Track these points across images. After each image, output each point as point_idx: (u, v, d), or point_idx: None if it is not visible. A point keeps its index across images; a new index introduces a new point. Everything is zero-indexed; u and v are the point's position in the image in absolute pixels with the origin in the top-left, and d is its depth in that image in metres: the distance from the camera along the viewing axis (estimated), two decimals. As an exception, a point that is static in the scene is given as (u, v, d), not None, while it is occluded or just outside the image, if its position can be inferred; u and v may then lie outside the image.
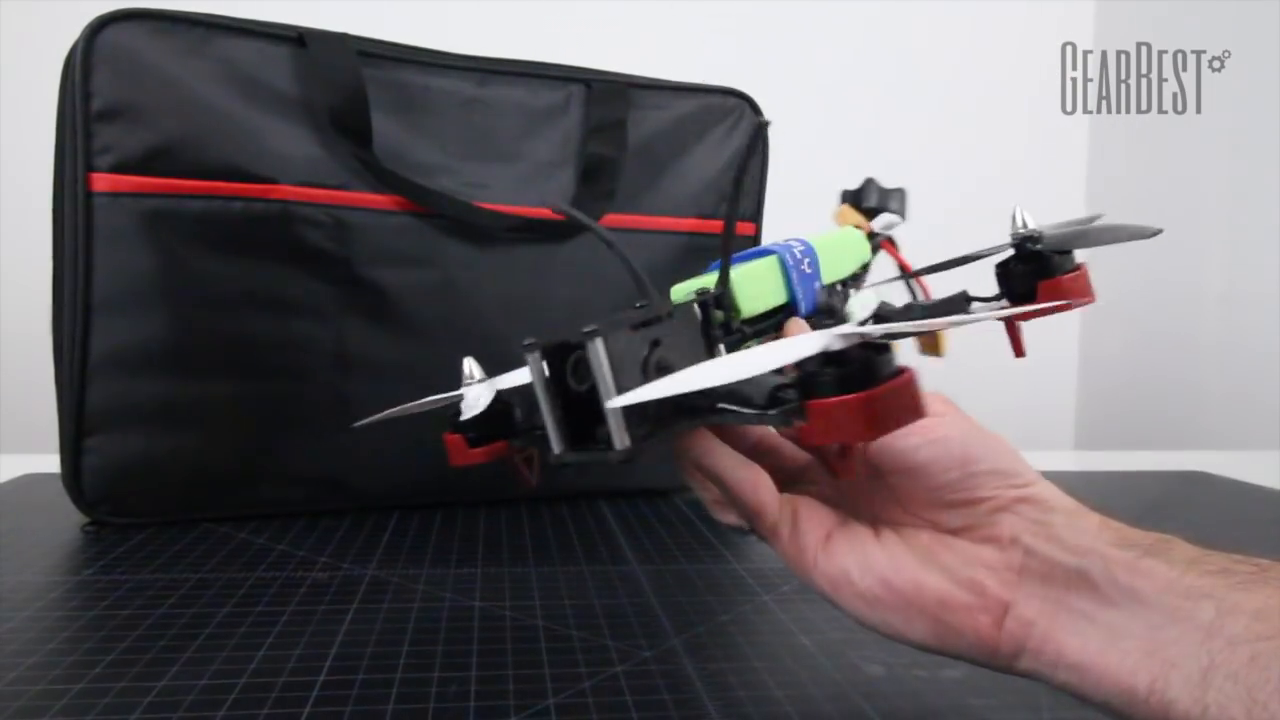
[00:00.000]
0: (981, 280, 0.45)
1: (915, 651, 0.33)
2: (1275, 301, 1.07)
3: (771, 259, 0.41)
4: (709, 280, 0.38)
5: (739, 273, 0.38)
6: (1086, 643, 0.28)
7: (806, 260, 0.41)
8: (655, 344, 0.31)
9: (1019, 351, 0.43)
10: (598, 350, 0.28)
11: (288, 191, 0.62)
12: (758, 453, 0.36)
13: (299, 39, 0.64)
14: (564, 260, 0.69)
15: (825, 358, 0.26)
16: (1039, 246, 0.41)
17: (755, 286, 0.39)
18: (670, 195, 0.74)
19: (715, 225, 0.75)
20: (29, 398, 0.83)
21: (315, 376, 0.64)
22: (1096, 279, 0.42)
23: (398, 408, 0.39)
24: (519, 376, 0.38)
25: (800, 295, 0.41)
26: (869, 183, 0.54)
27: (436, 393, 0.41)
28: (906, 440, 0.31)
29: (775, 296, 0.40)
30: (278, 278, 0.63)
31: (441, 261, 0.66)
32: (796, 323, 0.40)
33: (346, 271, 0.64)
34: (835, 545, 0.33)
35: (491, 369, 0.39)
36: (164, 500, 0.63)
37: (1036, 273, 0.41)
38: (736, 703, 0.38)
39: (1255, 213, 1.10)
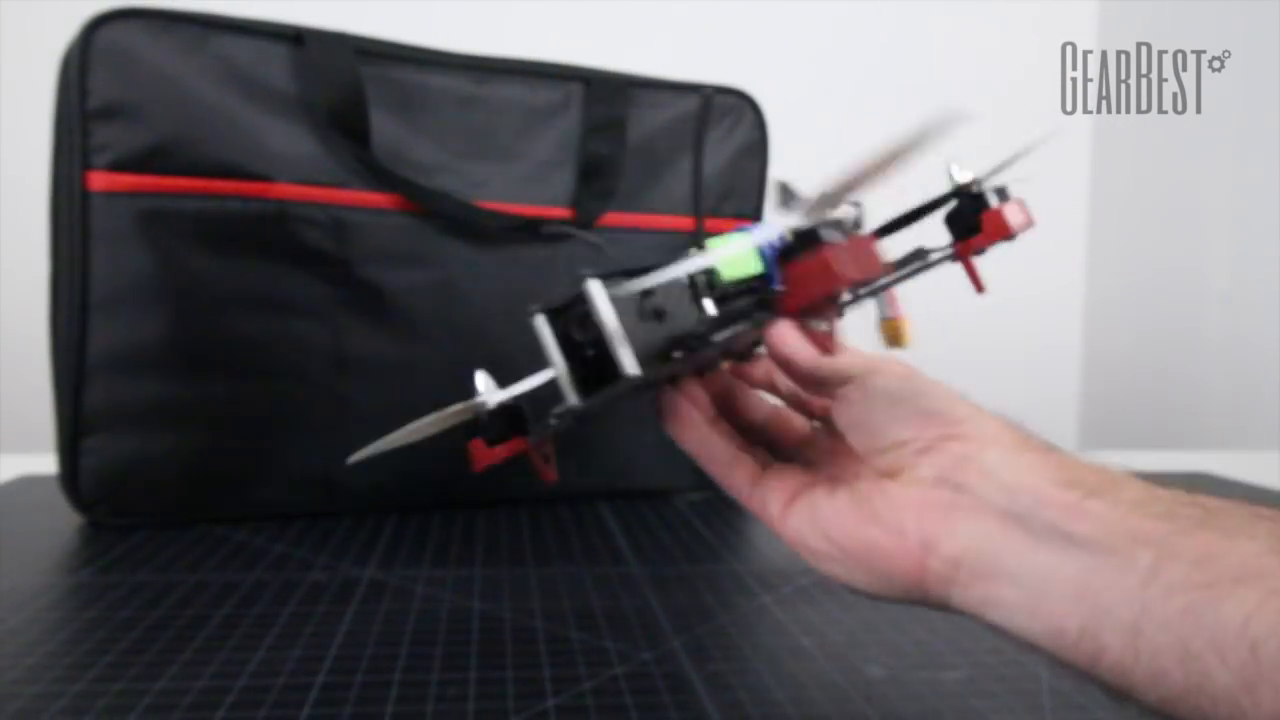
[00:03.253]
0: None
1: (917, 653, 0.33)
2: (1276, 301, 1.07)
3: (746, 239, 0.42)
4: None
5: (721, 255, 0.40)
6: (1015, 583, 0.27)
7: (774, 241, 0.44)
8: (648, 293, 0.34)
9: (979, 287, 0.47)
10: (594, 288, 0.32)
11: (286, 191, 0.62)
12: (759, 429, 0.40)
13: (297, 37, 0.63)
14: (564, 259, 0.69)
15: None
16: (976, 189, 0.45)
17: (733, 262, 0.41)
18: (670, 194, 0.74)
19: (715, 224, 0.74)
20: (26, 398, 0.82)
21: (313, 377, 0.64)
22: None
23: (398, 435, 0.40)
24: (529, 383, 0.40)
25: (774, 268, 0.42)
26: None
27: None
28: (849, 393, 0.33)
29: (750, 267, 0.41)
30: (275, 277, 0.62)
31: (440, 261, 0.66)
32: (779, 324, 0.40)
33: (345, 271, 0.64)
34: (795, 505, 0.35)
35: (491, 369, 0.40)
36: (162, 501, 0.63)
37: (977, 211, 0.46)
38: (737, 704, 0.38)
39: (1256, 212, 1.10)
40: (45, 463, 0.67)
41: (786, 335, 0.35)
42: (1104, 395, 1.35)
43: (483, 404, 0.39)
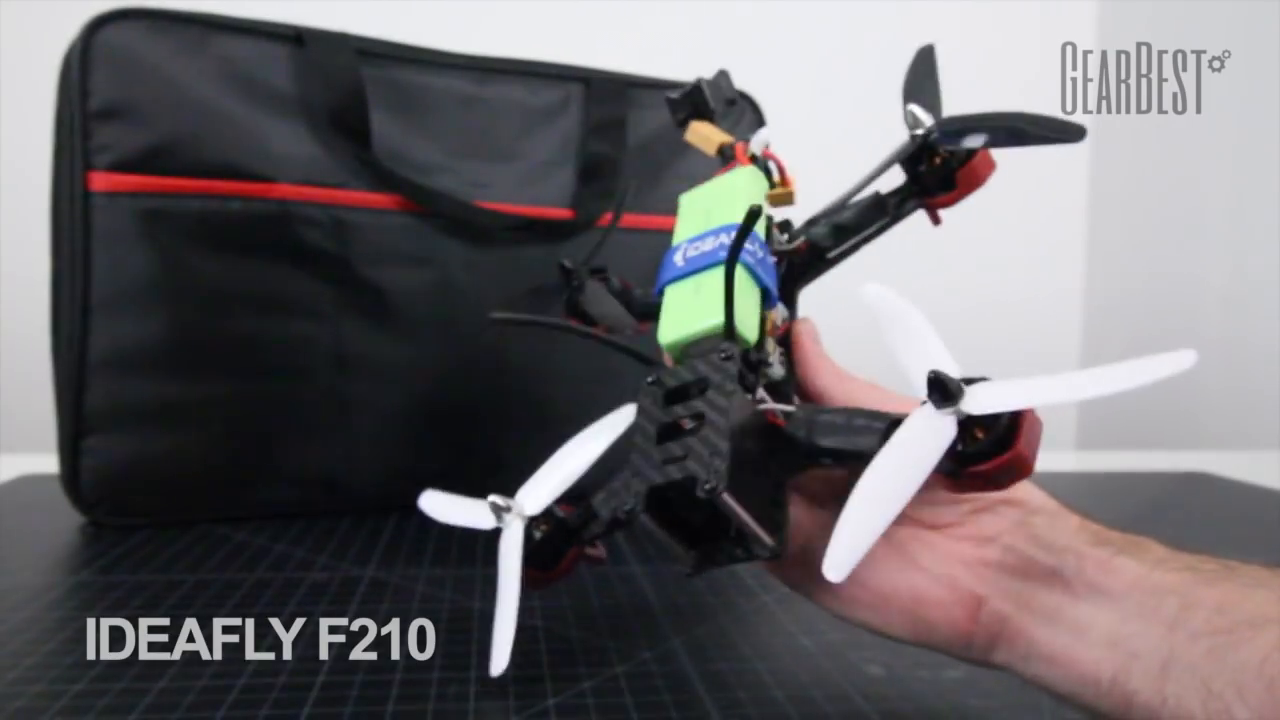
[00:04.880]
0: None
1: (917, 652, 0.33)
2: (1276, 301, 1.07)
3: (741, 273, 0.35)
4: (712, 320, 0.34)
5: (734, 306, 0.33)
6: (1056, 635, 0.29)
7: (758, 246, 0.38)
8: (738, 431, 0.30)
9: (936, 220, 0.44)
10: (728, 502, 0.29)
11: (286, 191, 0.62)
12: None
13: (297, 38, 0.63)
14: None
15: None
16: (935, 138, 0.41)
17: (748, 312, 0.35)
18: (670, 195, 0.73)
19: (715, 225, 0.74)
20: (27, 398, 0.83)
21: (314, 377, 0.64)
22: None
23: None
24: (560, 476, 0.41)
25: (770, 284, 0.37)
26: (705, 84, 0.49)
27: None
28: None
29: (756, 305, 0.36)
30: (276, 277, 0.62)
31: (441, 261, 0.66)
32: (802, 323, 0.40)
33: (345, 271, 0.64)
34: (815, 547, 0.33)
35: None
36: (162, 501, 0.63)
37: (946, 163, 0.42)
38: (737, 703, 0.38)
39: (1256, 212, 1.10)
40: (46, 463, 0.67)
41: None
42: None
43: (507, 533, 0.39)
